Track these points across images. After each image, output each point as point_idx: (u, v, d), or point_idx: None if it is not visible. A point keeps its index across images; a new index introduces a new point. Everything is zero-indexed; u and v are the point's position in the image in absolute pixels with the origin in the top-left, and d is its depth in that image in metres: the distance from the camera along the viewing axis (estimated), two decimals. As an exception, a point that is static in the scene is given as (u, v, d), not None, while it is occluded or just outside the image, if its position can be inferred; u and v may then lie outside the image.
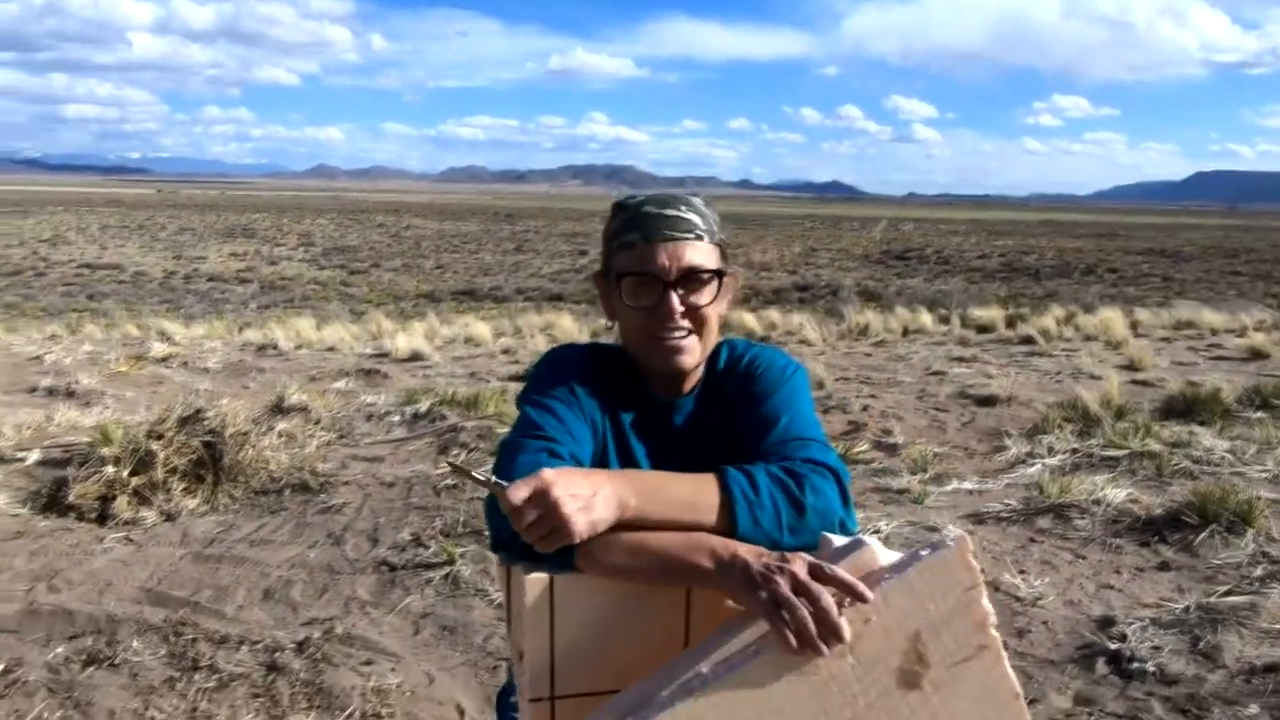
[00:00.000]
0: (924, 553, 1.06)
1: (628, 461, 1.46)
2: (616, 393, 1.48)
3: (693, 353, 1.44)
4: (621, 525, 1.17)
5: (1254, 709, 2.75)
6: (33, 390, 8.18)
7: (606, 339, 1.60)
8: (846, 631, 1.02)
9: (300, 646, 3.31)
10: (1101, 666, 3.08)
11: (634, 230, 1.41)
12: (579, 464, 1.33)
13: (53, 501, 4.75)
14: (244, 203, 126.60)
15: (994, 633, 1.07)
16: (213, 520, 4.62)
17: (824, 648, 1.01)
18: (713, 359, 1.53)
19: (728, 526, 1.19)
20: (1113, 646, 3.16)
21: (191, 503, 4.74)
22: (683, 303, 1.40)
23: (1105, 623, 3.37)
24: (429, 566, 4.02)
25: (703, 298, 1.42)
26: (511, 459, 1.30)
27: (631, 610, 1.19)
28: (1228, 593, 3.51)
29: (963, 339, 11.87)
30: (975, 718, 1.07)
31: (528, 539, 1.13)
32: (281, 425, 6.09)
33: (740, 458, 1.36)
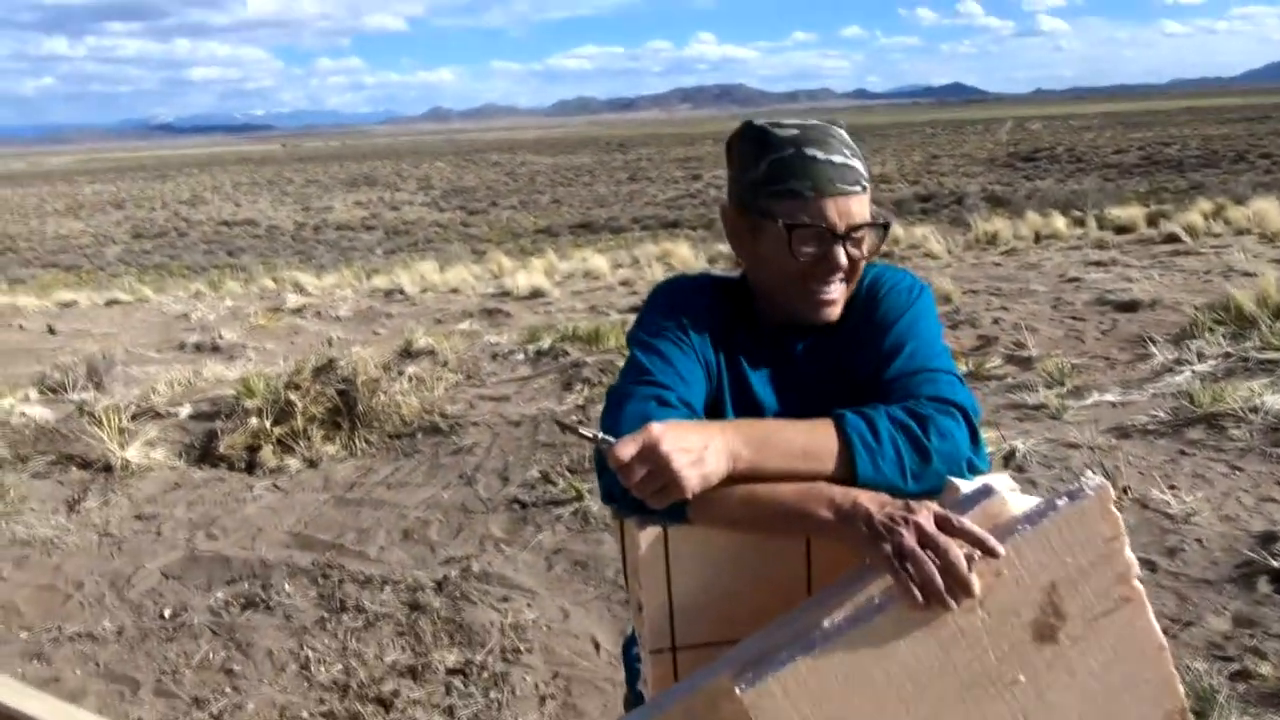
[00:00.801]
0: (1060, 502, 0.98)
1: (745, 397, 1.39)
2: (734, 326, 1.41)
3: (841, 303, 1.38)
4: (735, 477, 1.12)
5: None
6: (181, 347, 8.66)
7: (725, 268, 1.53)
8: (976, 586, 0.95)
9: (440, 585, 3.43)
10: (1264, 585, 2.90)
11: (800, 178, 1.31)
12: (691, 409, 1.28)
13: (205, 453, 5.03)
14: (363, 151, 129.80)
15: (1137, 584, 0.99)
16: (351, 465, 4.81)
17: (952, 603, 0.96)
18: None
19: (847, 474, 1.13)
20: (1276, 564, 2.97)
21: (331, 449, 4.93)
22: (847, 256, 1.33)
23: (1267, 539, 3.17)
24: (558, 503, 4.09)
25: (865, 250, 1.36)
26: (618, 409, 1.26)
27: (750, 560, 1.15)
28: (1406, 503, 3.25)
29: (1100, 241, 11.25)
30: (1116, 671, 0.99)
31: (638, 495, 1.09)
32: (411, 369, 6.26)
33: (863, 389, 1.29)
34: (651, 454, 1.07)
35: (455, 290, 11.78)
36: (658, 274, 12.02)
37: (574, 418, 4.98)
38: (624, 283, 11.63)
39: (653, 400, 1.26)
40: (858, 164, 1.34)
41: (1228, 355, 5.34)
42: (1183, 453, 4.03)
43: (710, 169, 51.32)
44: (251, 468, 4.83)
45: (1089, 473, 1.00)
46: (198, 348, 8.52)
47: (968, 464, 1.18)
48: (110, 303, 12.94)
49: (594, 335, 6.91)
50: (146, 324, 10.48)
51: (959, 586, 0.95)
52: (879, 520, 1.01)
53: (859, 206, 1.33)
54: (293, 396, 5.05)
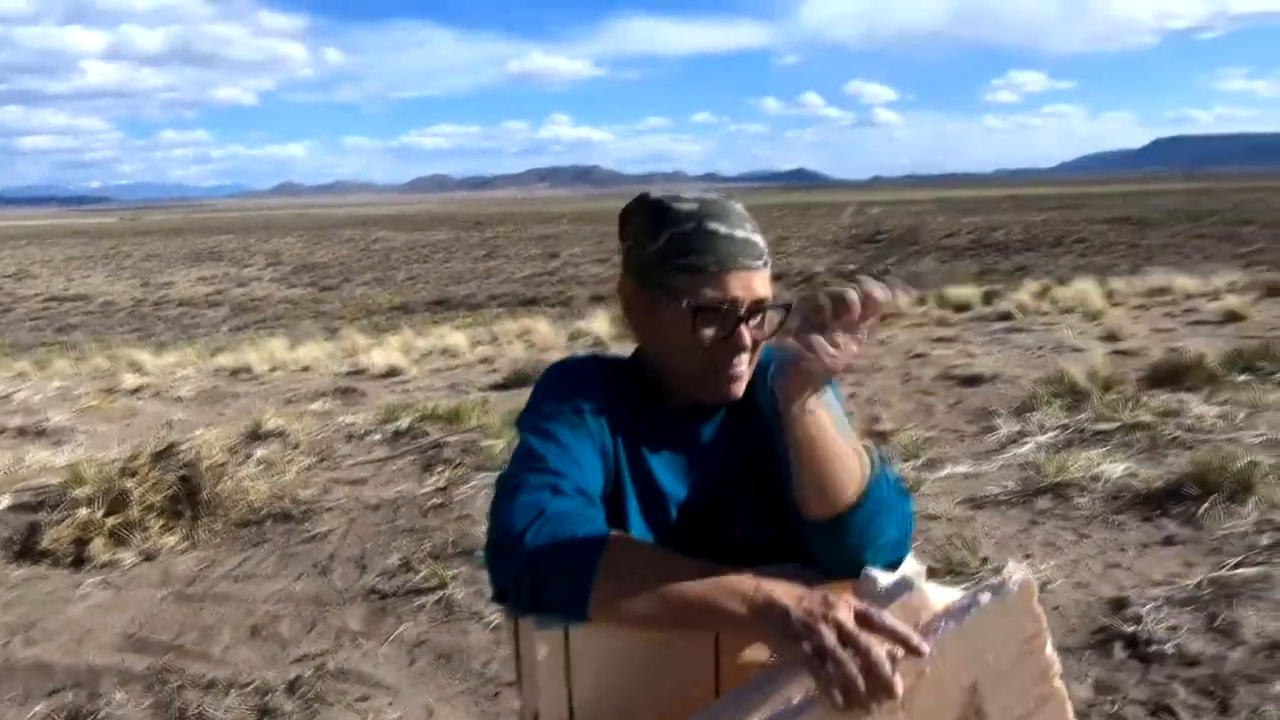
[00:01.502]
0: (983, 597, 0.95)
1: (647, 485, 1.32)
2: (630, 410, 1.34)
3: (744, 382, 1.33)
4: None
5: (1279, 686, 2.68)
6: (1, 431, 7.98)
7: (588, 344, 1.47)
8: (899, 687, 0.92)
9: (292, 686, 3.19)
10: (1119, 651, 3.01)
11: (703, 252, 1.26)
12: (588, 498, 1.20)
13: (26, 548, 4.59)
14: (209, 225, 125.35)
15: (1058, 683, 0.97)
16: (193, 557, 4.48)
17: (874, 705, 0.91)
18: None
19: (836, 506, 1.13)
20: (1128, 629, 3.09)
21: (171, 540, 4.59)
22: (750, 335, 1.30)
23: (1118, 604, 3.30)
24: (420, 592, 3.90)
25: (767, 329, 1.33)
26: (510, 498, 1.17)
27: (655, 661, 1.08)
28: (1238, 565, 3.45)
29: (941, 319, 11.82)
30: None
31: (544, 596, 1.03)
32: (259, 452, 5.94)
33: (771, 476, 1.25)
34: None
35: (307, 369, 11.35)
36: (518, 350, 11.92)
37: (426, 507, 4.79)
38: (484, 360, 11.47)
39: (547, 489, 1.18)
40: (759, 239, 1.32)
41: (1065, 427, 5.63)
42: (1034, 522, 4.19)
43: (567, 247, 51.86)
44: (80, 563, 4.43)
45: (1012, 565, 0.97)
46: (21, 432, 7.87)
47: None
48: (-82, 384, 11.89)
49: (455, 414, 6.74)
50: (-40, 407, 9.64)
51: (882, 688, 0.91)
52: (797, 617, 0.96)
53: (761, 283, 1.30)
54: (128, 484, 4.69)
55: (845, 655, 0.91)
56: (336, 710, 3.04)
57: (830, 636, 0.93)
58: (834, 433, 1.13)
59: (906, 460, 5.23)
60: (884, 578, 1.05)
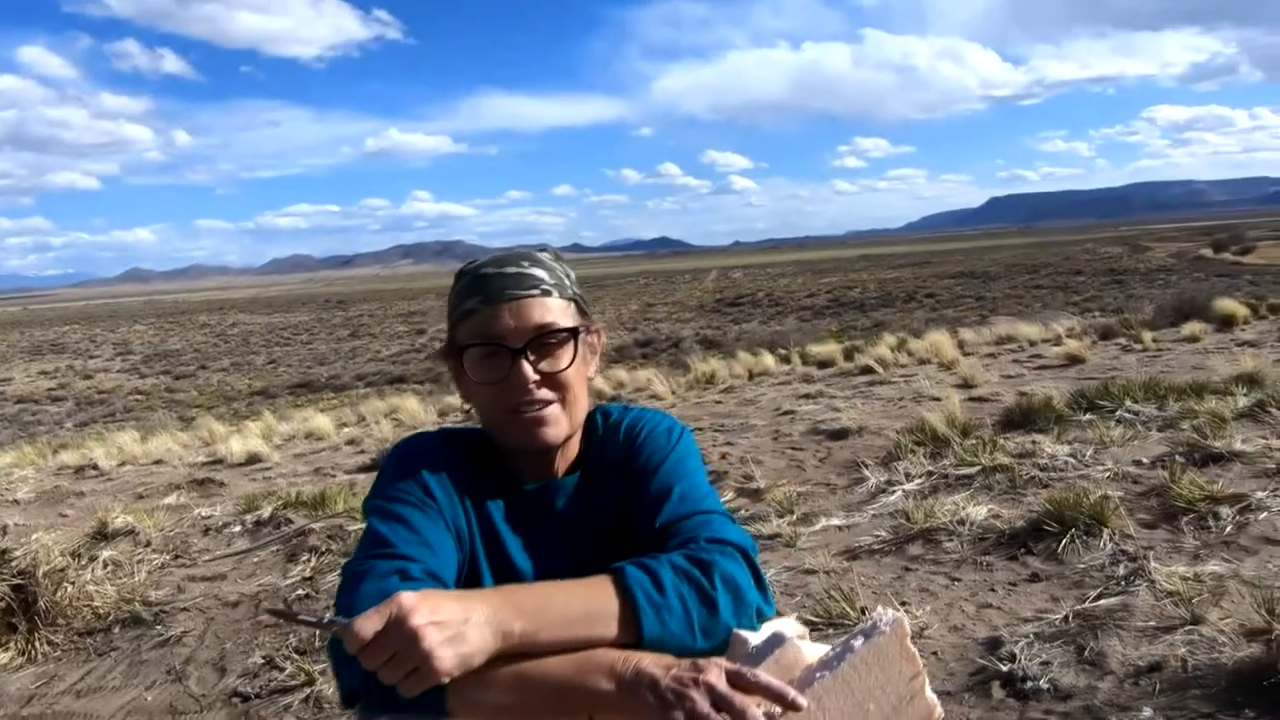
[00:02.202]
0: (856, 643, 0.93)
1: (503, 564, 1.25)
2: (482, 484, 1.28)
3: (558, 424, 1.25)
4: (504, 654, 0.98)
5: (1147, 712, 2.76)
6: None
7: (458, 420, 1.40)
8: None
9: (143, 808, 2.92)
10: (997, 690, 3.05)
11: (474, 294, 1.23)
12: (440, 583, 1.12)
13: None
14: (50, 316, 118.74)
15: None
16: (30, 673, 4.10)
17: None
18: (588, 430, 1.34)
19: (632, 637, 1.02)
20: (1004, 668, 3.14)
21: (3, 657, 4.20)
22: (536, 369, 1.21)
23: (992, 644, 3.36)
24: (286, 690, 3.66)
25: (560, 361, 1.24)
26: (354, 588, 1.08)
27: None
28: (1099, 596, 3.57)
29: (806, 376, 12.13)
30: None
31: (385, 681, 0.92)
32: (106, 553, 5.53)
33: (632, 540, 1.20)
34: (399, 629, 0.91)
35: (159, 461, 10.74)
36: (386, 430, 11.59)
37: (292, 599, 4.53)
38: (350, 441, 11.10)
39: (394, 575, 1.09)
40: (539, 272, 1.26)
41: (930, 473, 5.79)
42: (907, 569, 4.26)
43: (434, 323, 51.22)
44: (-104, 691, 4.00)
45: (881, 608, 0.95)
46: None
47: (757, 613, 1.12)
48: None
49: (319, 499, 6.46)
50: None
51: None
52: (666, 685, 0.91)
53: (541, 311, 1.23)
54: (-47, 598, 4.28)
55: (719, 719, 0.87)
56: (194, 829, 2.80)
57: (703, 702, 0.88)
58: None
59: (781, 516, 5.27)
60: (754, 637, 1.01)
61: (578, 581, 1.06)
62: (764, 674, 0.90)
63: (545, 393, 1.22)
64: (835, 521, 5.15)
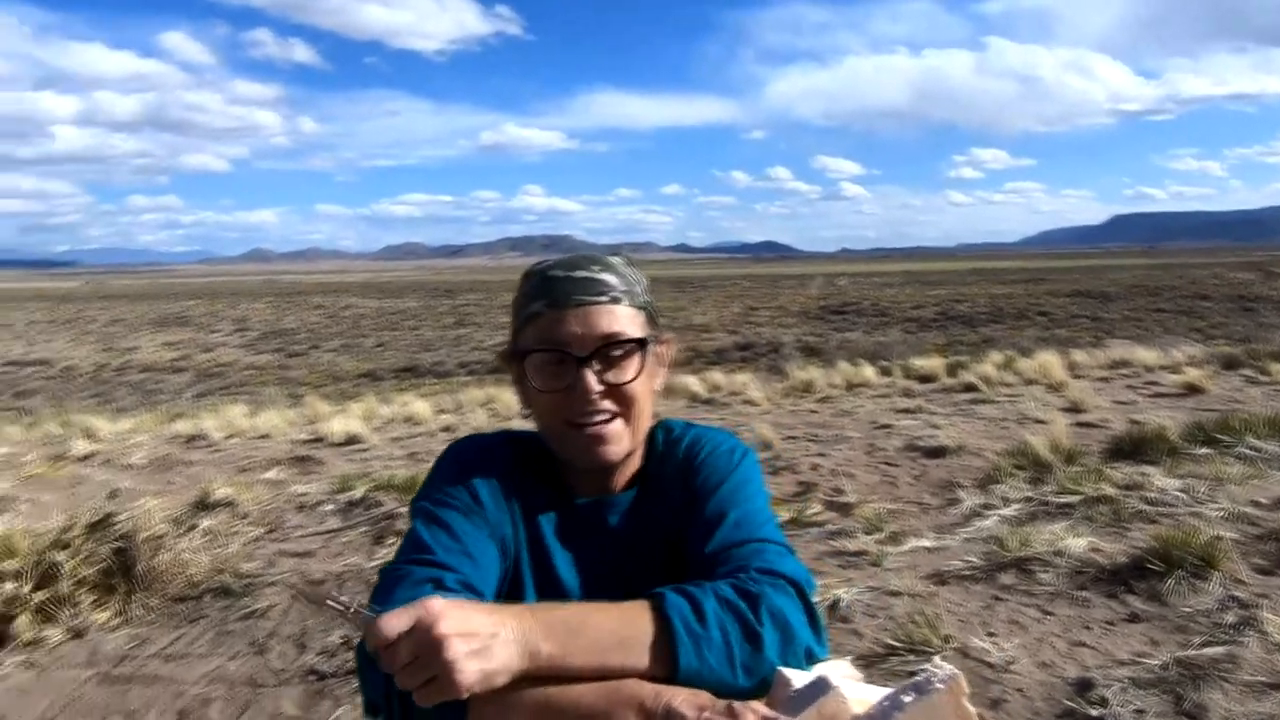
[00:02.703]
0: (906, 698, 0.85)
1: (548, 579, 1.20)
2: (534, 494, 1.23)
3: (619, 440, 1.19)
4: (531, 675, 0.94)
5: (1249, 774, 2.58)
6: (-60, 500, 7.70)
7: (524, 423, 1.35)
8: None
9: (215, 776, 2.99)
10: (1084, 736, 2.89)
11: (540, 297, 1.17)
12: (476, 595, 1.08)
13: (-53, 625, 4.35)
14: (177, 290, 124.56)
15: None
16: (125, 635, 4.27)
17: None
18: (649, 445, 1.28)
19: (667, 669, 0.96)
20: (1094, 713, 2.98)
21: (102, 616, 4.37)
22: (601, 380, 1.15)
23: (1083, 686, 3.19)
24: (361, 672, 3.71)
25: (626, 373, 1.18)
26: (388, 592, 1.05)
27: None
28: (1204, 644, 3.36)
29: (906, 390, 11.83)
30: None
31: (402, 685, 0.88)
32: (205, 523, 5.74)
33: (683, 564, 1.14)
34: (424, 635, 0.86)
35: (265, 436, 11.11)
36: (481, 419, 11.75)
37: (330, 587, 4.58)
38: (446, 428, 11.29)
39: (429, 583, 1.06)
40: (610, 278, 1.19)
41: (1029, 499, 5.56)
42: (997, 598, 4.09)
43: (537, 315, 51.86)
44: (2, 641, 4.20)
45: (937, 659, 0.87)
46: (-41, 501, 7.60)
47: (806, 653, 1.04)
48: None
49: (410, 483, 6.58)
50: (-100, 474, 9.32)
51: None
52: None
53: (609, 319, 1.17)
54: (60, 556, 4.48)
55: None
56: (261, 803, 2.85)
57: None
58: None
59: (869, 533, 5.13)
60: (798, 678, 0.94)
61: (615, 605, 1.00)
62: None
63: (608, 405, 1.17)
64: (925, 543, 4.99)
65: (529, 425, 1.30)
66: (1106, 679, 3.20)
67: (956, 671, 0.86)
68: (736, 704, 0.87)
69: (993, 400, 10.17)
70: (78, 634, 4.25)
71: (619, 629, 0.96)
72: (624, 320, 1.17)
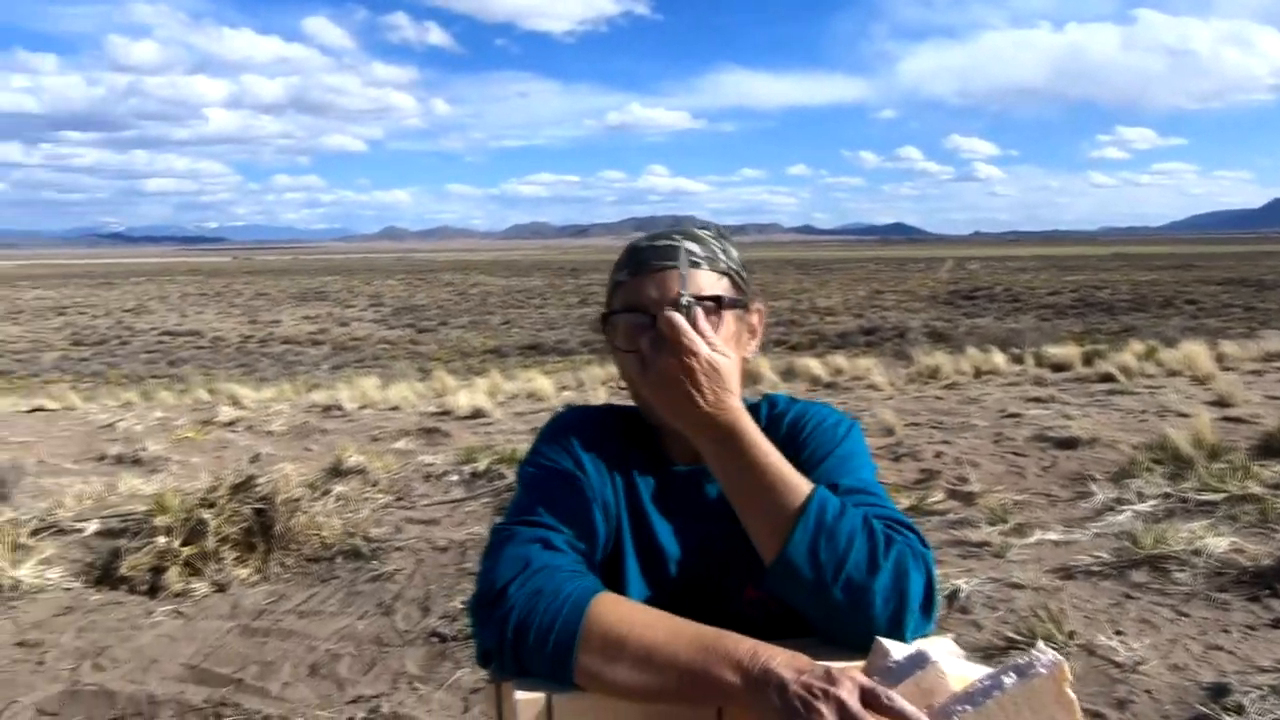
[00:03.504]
0: (1007, 679, 0.84)
1: (649, 545, 1.23)
2: (634, 462, 1.26)
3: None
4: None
5: (1400, 794, 2.41)
6: (102, 458, 8.28)
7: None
8: None
9: (343, 728, 3.15)
10: (1217, 743, 2.76)
11: (624, 266, 1.24)
12: (581, 554, 1.13)
13: (106, 574, 4.70)
14: (316, 266, 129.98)
15: None
16: (263, 590, 4.52)
17: None
18: (752, 418, 1.30)
19: (776, 545, 1.04)
20: (1228, 720, 2.84)
21: (243, 572, 4.64)
22: None
23: (1218, 691, 3.04)
24: (480, 637, 3.83)
25: (717, 331, 1.18)
26: (498, 550, 1.10)
27: (651, 733, 0.99)
28: (1355, 655, 3.15)
29: (1038, 378, 11.41)
30: None
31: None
32: (338, 488, 6.01)
33: None
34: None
35: (395, 408, 11.53)
36: (602, 397, 11.92)
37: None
38: (568, 405, 11.48)
39: (538, 543, 1.10)
40: (689, 244, 1.22)
41: (1167, 495, 5.31)
42: (1128, 596, 3.93)
43: (660, 296, 52.03)
44: (154, 591, 4.50)
45: (1041, 645, 0.85)
46: (119, 459, 8.15)
47: (913, 624, 1.02)
48: (33, 410, 12.46)
49: (531, 458, 6.72)
50: (69, 433, 10.05)
51: None
52: (794, 691, 0.86)
53: (689, 283, 1.18)
54: (206, 514, 4.77)
55: None
56: (384, 755, 2.98)
57: (830, 715, 0.83)
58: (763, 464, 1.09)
59: (993, 524, 4.99)
60: (897, 650, 0.93)
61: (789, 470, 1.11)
62: (899, 697, 0.83)
63: None
64: (1052, 536, 4.82)
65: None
66: (1244, 685, 3.04)
67: (1060, 658, 0.83)
68: (834, 668, 0.87)
69: (1131, 391, 9.72)
70: (221, 588, 4.52)
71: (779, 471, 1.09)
72: (701, 282, 1.19)
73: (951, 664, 0.89)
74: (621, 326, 1.20)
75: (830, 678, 0.86)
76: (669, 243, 1.22)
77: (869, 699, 0.84)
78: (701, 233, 1.26)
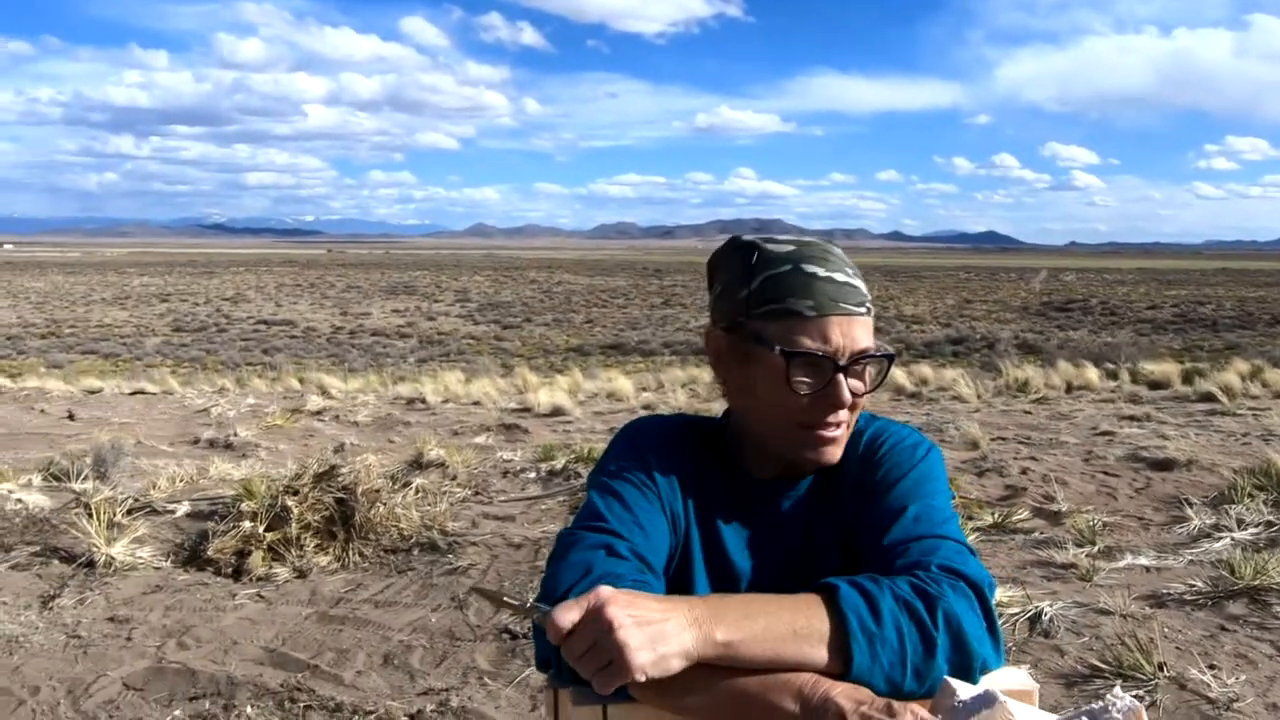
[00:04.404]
0: None
1: (718, 558, 1.20)
2: (708, 475, 1.23)
3: (842, 445, 1.20)
4: (702, 664, 0.92)
5: None
6: (195, 442, 8.57)
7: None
8: None
9: None
10: (1316, 790, 2.61)
11: (799, 296, 1.14)
12: (645, 564, 1.10)
13: (194, 554, 4.84)
14: (406, 261, 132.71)
15: None
16: (342, 578, 4.60)
17: None
18: None
19: (840, 666, 0.93)
20: (1330, 766, 2.68)
21: (323, 560, 4.74)
22: (850, 388, 1.16)
23: (1318, 735, 2.88)
24: (550, 635, 3.84)
25: (866, 383, 1.19)
26: (562, 556, 1.09)
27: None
28: None
29: (1133, 396, 11.02)
30: None
31: (580, 672, 0.90)
32: (418, 481, 6.09)
33: (855, 557, 1.11)
34: (596, 622, 0.88)
35: (477, 403, 11.69)
36: (681, 399, 11.88)
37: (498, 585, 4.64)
38: (646, 406, 11.50)
39: (602, 550, 1.08)
40: (860, 284, 1.18)
41: (1270, 524, 5.06)
42: (1223, 628, 3.75)
43: (743, 299, 51.79)
44: (239, 574, 4.63)
45: (1119, 690, 0.79)
46: (211, 444, 8.43)
47: (981, 664, 0.98)
48: (135, 393, 12.98)
49: (608, 458, 6.73)
50: (166, 416, 10.44)
51: None
52: None
53: (864, 331, 1.17)
54: (289, 501, 4.88)
55: None
56: (452, 749, 3.00)
57: None
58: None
59: (1080, 545, 4.82)
60: (964, 689, 0.88)
61: (786, 596, 0.98)
62: None
63: (844, 414, 1.17)
64: (1143, 561, 4.64)
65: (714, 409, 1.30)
66: (1348, 730, 2.88)
67: (1138, 704, 0.78)
68: (896, 703, 0.83)
69: (1234, 413, 9.31)
70: (301, 574, 4.63)
71: (792, 620, 0.94)
72: (871, 332, 1.19)
73: (1019, 709, 0.83)
74: (793, 363, 1.14)
75: (891, 710, 0.83)
76: (848, 281, 1.17)
77: None
78: (849, 260, 1.20)
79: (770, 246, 1.18)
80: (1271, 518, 5.14)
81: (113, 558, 4.66)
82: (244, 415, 10.18)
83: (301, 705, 3.27)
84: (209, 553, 4.75)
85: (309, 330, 40.43)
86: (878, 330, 1.22)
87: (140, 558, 4.75)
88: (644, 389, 13.69)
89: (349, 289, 66.83)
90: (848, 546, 1.18)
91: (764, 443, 1.21)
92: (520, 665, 3.64)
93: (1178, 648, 3.58)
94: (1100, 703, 0.78)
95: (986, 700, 0.83)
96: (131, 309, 49.34)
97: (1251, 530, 4.98)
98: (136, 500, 5.62)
